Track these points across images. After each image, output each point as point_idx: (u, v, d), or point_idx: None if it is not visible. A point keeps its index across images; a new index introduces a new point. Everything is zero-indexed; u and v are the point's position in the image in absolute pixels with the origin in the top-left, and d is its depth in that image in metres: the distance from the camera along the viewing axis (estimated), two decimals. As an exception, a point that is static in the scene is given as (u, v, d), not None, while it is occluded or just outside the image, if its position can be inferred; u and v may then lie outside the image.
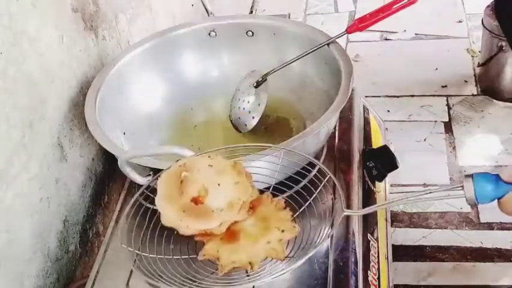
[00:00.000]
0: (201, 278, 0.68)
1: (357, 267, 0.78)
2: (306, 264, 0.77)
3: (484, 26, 1.73)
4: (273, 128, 1.00)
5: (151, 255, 0.71)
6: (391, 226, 1.25)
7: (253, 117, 0.98)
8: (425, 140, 1.68)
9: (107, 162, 1.01)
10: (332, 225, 0.72)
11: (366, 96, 1.17)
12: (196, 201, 0.67)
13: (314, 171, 0.89)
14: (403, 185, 1.55)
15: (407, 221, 1.48)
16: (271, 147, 0.77)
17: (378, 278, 0.88)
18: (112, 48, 1.06)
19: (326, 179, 0.74)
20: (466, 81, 1.86)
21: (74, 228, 0.90)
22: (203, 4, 1.06)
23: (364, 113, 1.08)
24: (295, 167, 0.85)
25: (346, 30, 0.93)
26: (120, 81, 0.96)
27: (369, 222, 0.90)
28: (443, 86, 1.85)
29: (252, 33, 1.03)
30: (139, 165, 0.77)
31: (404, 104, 1.81)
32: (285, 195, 0.85)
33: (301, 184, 0.87)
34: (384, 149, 0.99)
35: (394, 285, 1.05)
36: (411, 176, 1.55)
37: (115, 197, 0.93)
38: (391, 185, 1.47)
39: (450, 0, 2.21)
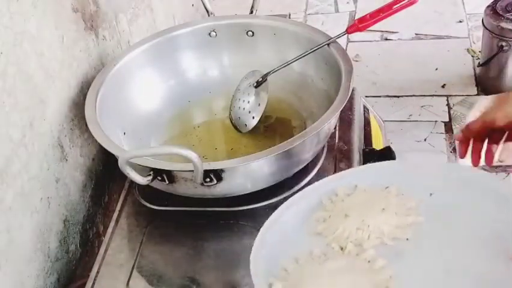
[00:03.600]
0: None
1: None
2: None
3: (484, 26, 1.73)
4: (273, 128, 1.00)
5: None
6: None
7: (253, 117, 0.98)
8: (425, 140, 1.68)
9: (107, 162, 1.01)
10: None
11: (366, 96, 1.17)
12: None
13: (314, 171, 0.89)
14: (403, 185, 1.55)
15: (407, 221, 1.48)
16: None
17: (378, 278, 0.88)
18: (112, 48, 1.06)
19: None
20: (466, 81, 1.86)
21: (74, 228, 0.90)
22: (203, 4, 1.05)
23: (364, 113, 1.08)
24: (296, 167, 0.85)
25: (346, 30, 0.93)
26: (120, 81, 0.96)
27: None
28: (443, 86, 1.85)
29: (252, 33, 1.03)
30: (139, 165, 0.77)
31: (404, 104, 1.81)
32: (285, 195, 0.85)
33: (302, 184, 0.87)
34: (387, 150, 0.98)
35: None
36: (411, 176, 1.55)
37: (115, 197, 0.93)
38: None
39: (450, 0, 2.21)
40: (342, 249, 0.62)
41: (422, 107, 1.79)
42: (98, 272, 0.81)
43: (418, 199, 0.65)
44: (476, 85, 1.84)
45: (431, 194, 0.66)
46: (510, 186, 0.63)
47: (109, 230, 0.86)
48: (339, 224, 0.63)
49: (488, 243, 0.59)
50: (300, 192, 0.69)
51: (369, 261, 0.59)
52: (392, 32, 2.09)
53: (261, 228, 0.64)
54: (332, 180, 0.70)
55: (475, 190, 0.65)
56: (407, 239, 0.61)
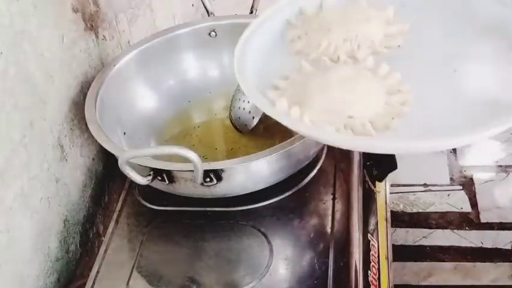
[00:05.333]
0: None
1: (357, 267, 0.78)
2: (306, 264, 0.78)
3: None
4: (273, 128, 1.00)
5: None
6: (391, 226, 1.25)
7: (253, 118, 0.98)
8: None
9: (107, 162, 1.01)
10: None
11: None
12: None
13: (314, 171, 0.89)
14: (403, 185, 1.55)
15: (408, 221, 1.48)
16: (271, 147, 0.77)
17: (378, 278, 0.88)
18: (112, 49, 1.06)
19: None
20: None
21: (74, 228, 0.90)
22: (203, 4, 1.05)
23: (364, 113, 1.08)
24: (296, 167, 0.85)
25: (346, 30, 0.92)
26: (120, 81, 0.96)
27: (369, 222, 0.90)
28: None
29: (252, 33, 1.03)
30: (139, 165, 0.77)
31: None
32: (285, 195, 0.85)
33: (302, 184, 0.87)
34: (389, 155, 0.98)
35: (394, 285, 1.06)
36: (411, 176, 1.55)
37: (115, 197, 0.93)
38: (391, 185, 1.47)
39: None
40: (334, 62, 0.58)
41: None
42: (98, 272, 0.81)
43: (393, 9, 0.61)
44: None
45: (403, 5, 0.61)
46: None
47: (109, 230, 0.86)
48: (322, 39, 0.59)
49: (487, 33, 0.56)
50: (258, 19, 0.62)
51: (370, 69, 0.56)
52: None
53: (235, 51, 0.59)
54: (287, 4, 0.63)
55: None
56: (399, 46, 0.58)
